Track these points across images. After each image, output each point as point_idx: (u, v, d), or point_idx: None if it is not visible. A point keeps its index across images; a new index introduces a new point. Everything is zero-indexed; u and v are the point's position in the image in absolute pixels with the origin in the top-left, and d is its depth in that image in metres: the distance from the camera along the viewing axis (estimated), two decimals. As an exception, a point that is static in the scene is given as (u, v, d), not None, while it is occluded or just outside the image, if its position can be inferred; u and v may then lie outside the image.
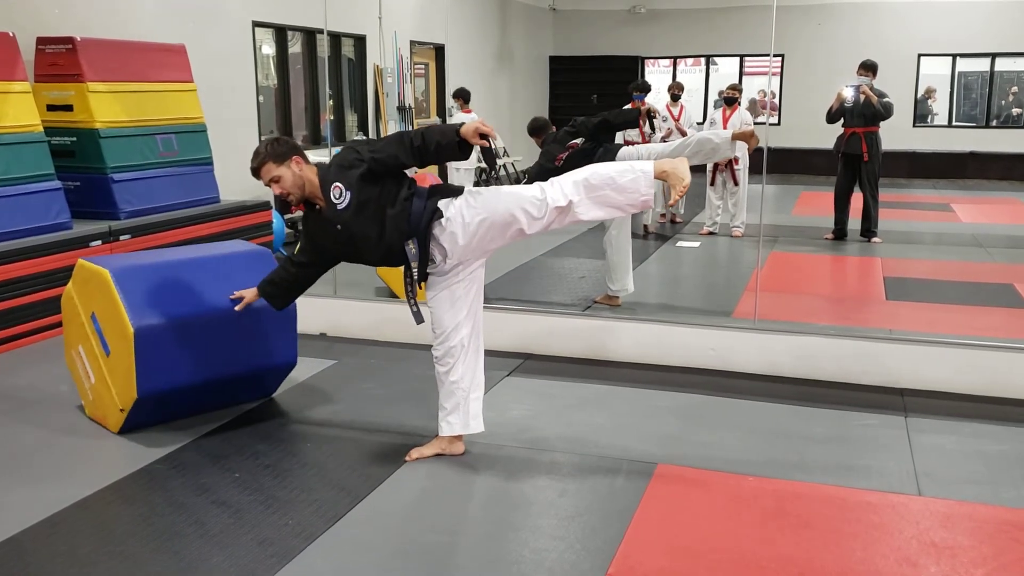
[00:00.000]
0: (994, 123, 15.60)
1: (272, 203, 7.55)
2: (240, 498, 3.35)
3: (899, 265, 7.83)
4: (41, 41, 6.36)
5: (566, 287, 6.86)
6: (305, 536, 3.07)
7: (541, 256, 7.94)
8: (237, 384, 4.23)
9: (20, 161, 5.70)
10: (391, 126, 11.32)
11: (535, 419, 4.19)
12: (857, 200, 8.93)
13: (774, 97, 15.47)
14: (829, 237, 8.98)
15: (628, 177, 3.42)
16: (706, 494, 3.44)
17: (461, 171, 9.01)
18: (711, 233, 9.34)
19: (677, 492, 3.46)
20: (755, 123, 10.13)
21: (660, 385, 4.67)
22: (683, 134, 8.93)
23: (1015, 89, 15.58)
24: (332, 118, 10.11)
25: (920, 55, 15.23)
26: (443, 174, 9.71)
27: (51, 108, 6.34)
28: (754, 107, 15.00)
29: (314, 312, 5.25)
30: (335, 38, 10.66)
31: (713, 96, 16.01)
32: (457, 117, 9.72)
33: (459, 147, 3.36)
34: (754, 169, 8.81)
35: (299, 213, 3.62)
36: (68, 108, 6.36)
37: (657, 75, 16.20)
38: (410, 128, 10.33)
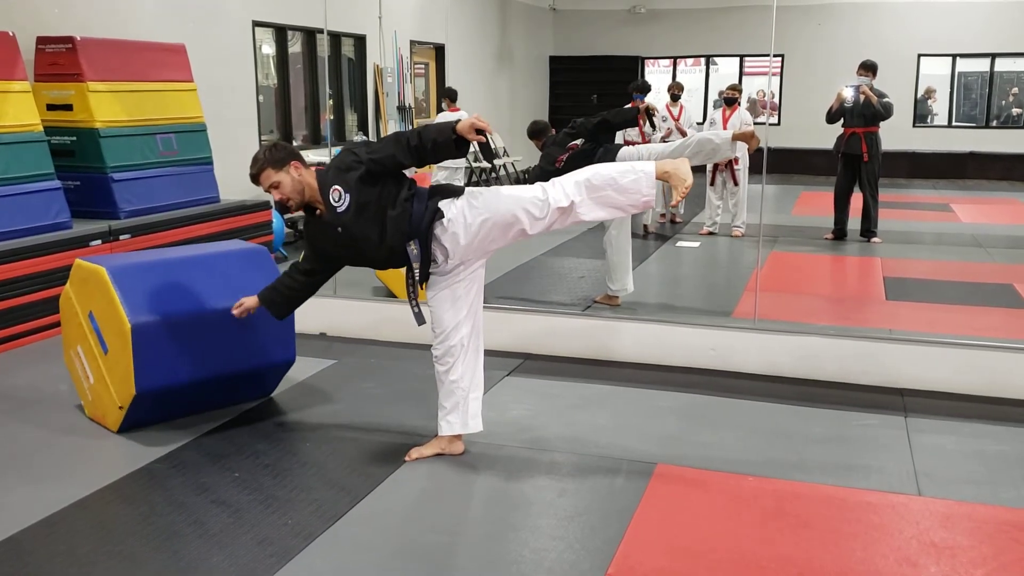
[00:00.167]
0: (994, 123, 15.60)
1: (272, 203, 7.54)
2: (240, 497, 3.35)
3: (899, 265, 7.83)
4: (41, 41, 6.36)
5: (566, 287, 6.85)
6: (304, 536, 3.07)
7: (541, 256, 7.94)
8: (236, 382, 4.23)
9: (20, 161, 5.70)
10: (391, 126, 11.32)
11: (535, 419, 4.19)
12: (857, 200, 8.92)
13: (774, 97, 15.46)
14: (829, 237, 8.98)
15: (630, 178, 3.42)
16: (706, 494, 3.44)
17: (448, 171, 8.81)
18: (711, 233, 9.33)
19: (677, 492, 3.46)
20: (755, 123, 10.13)
21: (660, 385, 4.66)
22: (683, 134, 8.93)
23: (1015, 89, 15.58)
24: (332, 118, 10.10)
25: (920, 55, 15.22)
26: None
27: (51, 108, 6.34)
28: (754, 107, 15.00)
29: (313, 312, 5.23)
30: (335, 38, 10.66)
31: (713, 96, 16.01)
32: (441, 117, 9.67)
33: (456, 144, 3.36)
34: (754, 169, 8.81)
35: (299, 213, 3.61)
36: (68, 108, 6.36)
37: (657, 75, 16.19)
38: (410, 128, 10.31)
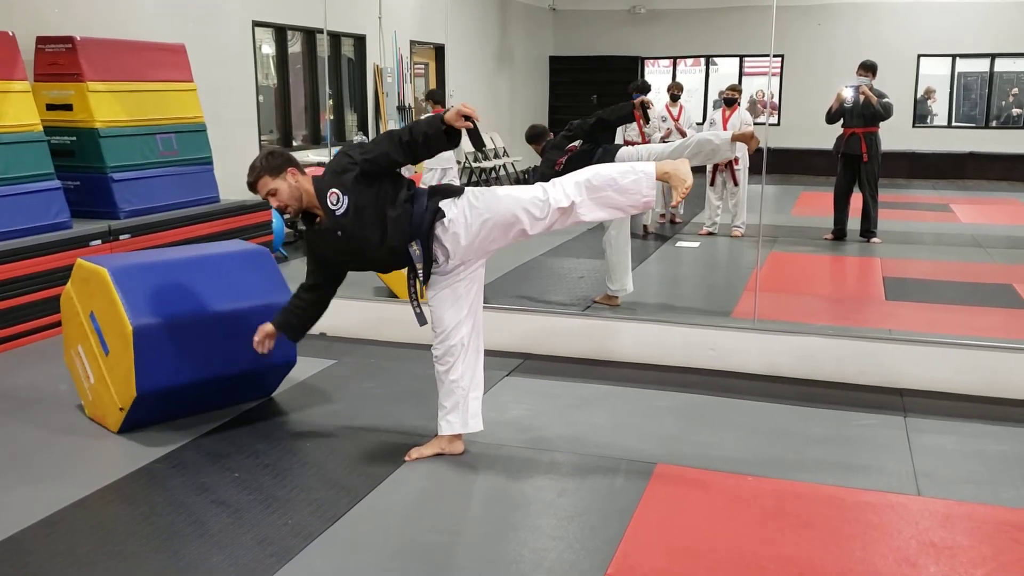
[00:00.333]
0: (994, 124, 15.60)
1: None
2: (240, 497, 3.35)
3: (898, 265, 7.83)
4: (41, 40, 6.36)
5: (566, 287, 6.86)
6: (304, 535, 3.07)
7: (541, 256, 7.94)
8: (236, 383, 4.23)
9: (20, 161, 5.70)
10: (391, 126, 11.32)
11: (535, 419, 4.19)
12: (857, 200, 8.92)
13: (773, 97, 15.46)
14: (829, 237, 8.98)
15: (630, 178, 3.43)
16: (706, 494, 3.44)
17: (436, 171, 8.71)
18: (711, 233, 9.33)
19: (677, 492, 3.46)
20: (755, 123, 10.13)
21: (660, 385, 4.67)
22: (683, 134, 8.93)
23: (1015, 90, 15.58)
24: (332, 118, 10.11)
25: (920, 55, 15.23)
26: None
27: (51, 107, 6.34)
28: (754, 107, 15.01)
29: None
30: (335, 38, 10.66)
31: (713, 96, 16.01)
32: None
33: (447, 135, 3.36)
34: (754, 169, 8.80)
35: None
36: (68, 107, 6.36)
37: (657, 75, 16.20)
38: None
